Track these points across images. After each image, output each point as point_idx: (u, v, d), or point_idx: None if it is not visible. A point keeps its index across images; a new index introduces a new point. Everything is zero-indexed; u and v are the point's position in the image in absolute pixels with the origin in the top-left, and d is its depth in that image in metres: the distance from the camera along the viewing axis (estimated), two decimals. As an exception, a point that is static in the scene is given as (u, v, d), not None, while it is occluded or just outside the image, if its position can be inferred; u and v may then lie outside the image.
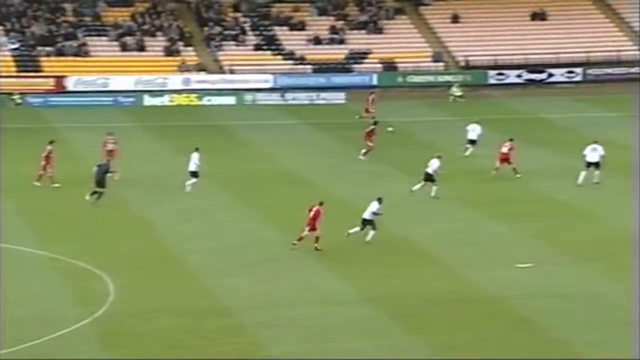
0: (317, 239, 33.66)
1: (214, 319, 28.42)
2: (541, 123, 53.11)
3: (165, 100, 61.98)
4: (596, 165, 42.59)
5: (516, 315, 28.72)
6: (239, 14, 69.76)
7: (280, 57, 66.95)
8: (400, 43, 68.34)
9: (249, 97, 62.53)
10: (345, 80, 65.36)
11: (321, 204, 34.00)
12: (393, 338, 27.13)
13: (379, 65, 66.53)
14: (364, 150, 47.01)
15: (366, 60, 66.97)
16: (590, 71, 66.32)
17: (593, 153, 42.78)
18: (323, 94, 62.86)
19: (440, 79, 65.67)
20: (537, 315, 28.54)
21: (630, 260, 33.14)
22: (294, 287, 30.95)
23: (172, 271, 32.24)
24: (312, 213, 33.69)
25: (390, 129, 50.98)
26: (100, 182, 39.15)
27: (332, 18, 69.95)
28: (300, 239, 33.69)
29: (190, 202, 40.01)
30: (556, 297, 30.04)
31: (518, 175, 43.09)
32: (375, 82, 65.47)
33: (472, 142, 47.71)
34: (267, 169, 45.77)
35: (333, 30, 68.70)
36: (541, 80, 65.92)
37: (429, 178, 40.26)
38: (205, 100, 62.18)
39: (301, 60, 66.68)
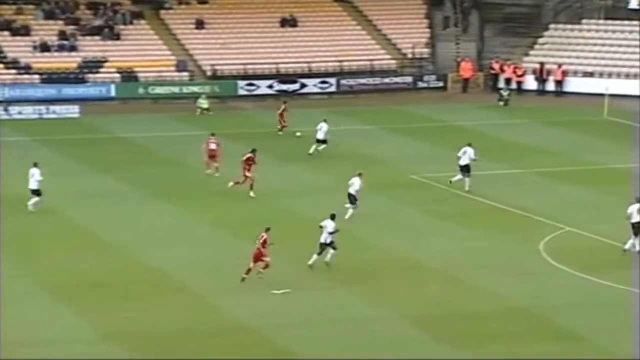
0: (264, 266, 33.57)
1: None
2: (294, 136, 54.01)
3: None
4: (465, 169, 43.10)
5: (273, 345, 29.01)
6: (-48, 17, 67.08)
7: (1, 65, 64.84)
8: (140, 50, 67.80)
9: (-34, 111, 60.08)
10: (79, 91, 64.10)
11: (267, 230, 33.74)
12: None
13: (117, 75, 65.72)
14: (232, 182, 43.03)
15: (102, 70, 65.98)
16: (344, 81, 68.27)
17: (464, 156, 43.18)
18: (53, 107, 61.37)
19: (186, 90, 65.65)
20: (295, 344, 28.95)
21: (391, 283, 34.28)
22: (23, 325, 29.99)
23: None
24: (261, 241, 33.40)
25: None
26: None
27: (61, 22, 68.45)
28: (266, 266, 33.47)
29: None
30: (315, 324, 30.60)
31: (217, 174, 44.38)
32: (113, 93, 64.61)
33: (322, 141, 49.89)
34: (-9, 192, 44.06)
35: (63, 35, 67.25)
36: (294, 91, 67.18)
37: (352, 200, 40.19)
38: None
39: (27, 69, 64.86)
